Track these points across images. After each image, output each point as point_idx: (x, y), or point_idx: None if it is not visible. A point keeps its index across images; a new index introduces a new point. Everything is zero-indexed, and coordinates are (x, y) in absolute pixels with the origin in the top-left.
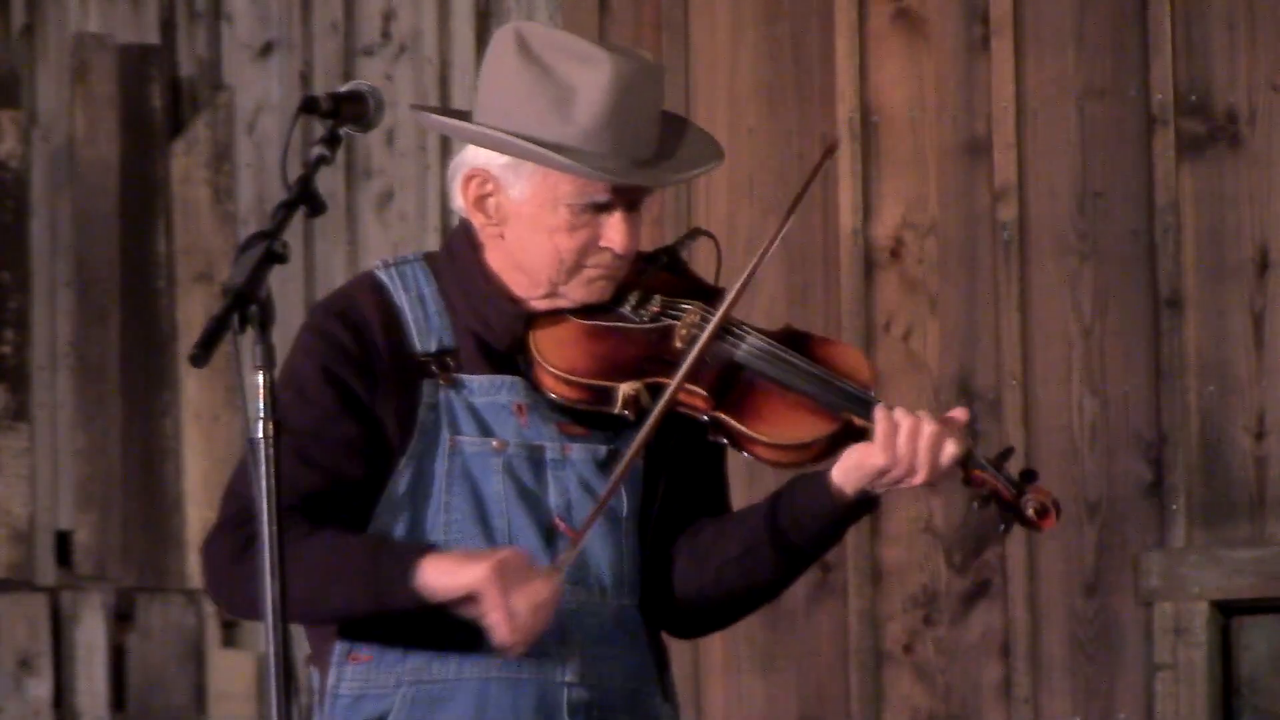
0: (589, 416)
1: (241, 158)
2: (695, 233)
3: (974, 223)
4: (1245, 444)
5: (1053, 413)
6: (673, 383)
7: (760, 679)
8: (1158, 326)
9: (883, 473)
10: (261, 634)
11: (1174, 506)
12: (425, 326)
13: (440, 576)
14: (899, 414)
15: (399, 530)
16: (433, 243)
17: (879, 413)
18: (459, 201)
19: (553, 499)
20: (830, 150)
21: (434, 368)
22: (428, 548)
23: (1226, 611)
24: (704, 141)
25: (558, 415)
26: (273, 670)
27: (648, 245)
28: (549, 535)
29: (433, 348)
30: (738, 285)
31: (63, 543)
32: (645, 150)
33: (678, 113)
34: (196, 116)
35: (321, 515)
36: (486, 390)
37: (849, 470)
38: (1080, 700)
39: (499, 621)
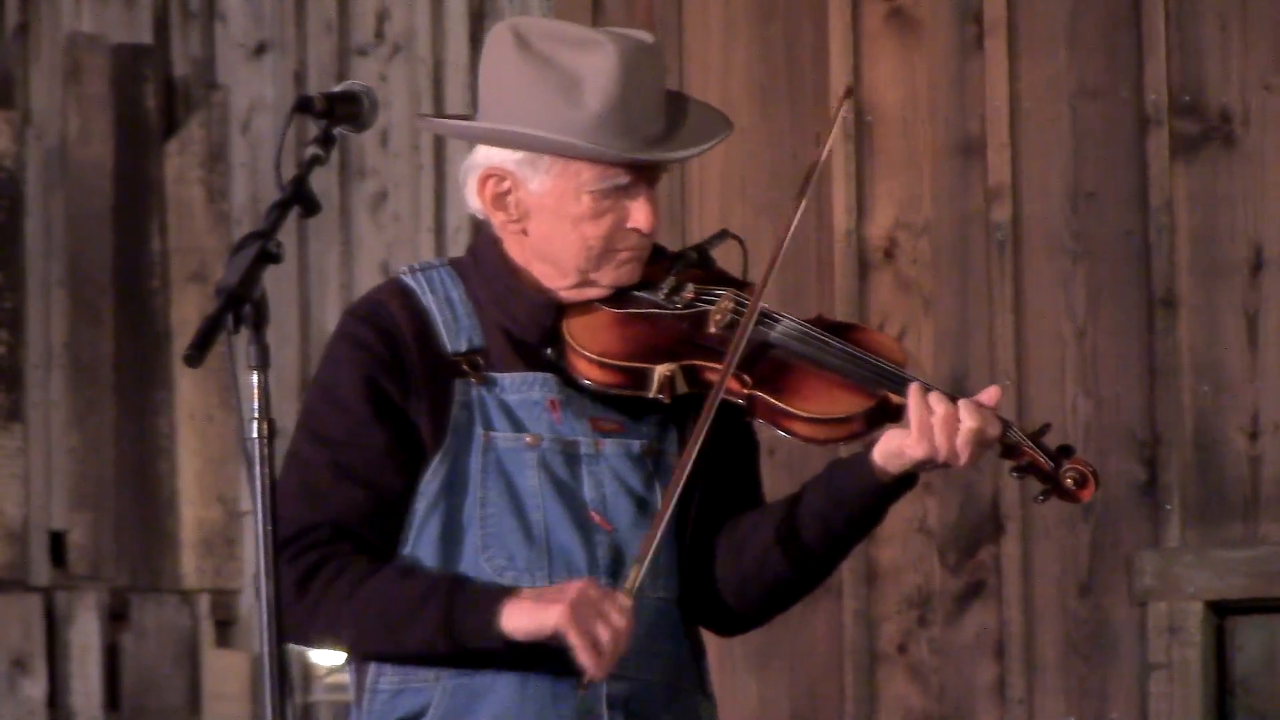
0: (623, 406)
1: (235, 158)
2: (723, 234)
3: (968, 223)
4: (1239, 444)
5: (1046, 413)
6: (724, 368)
7: (754, 678)
8: (1151, 326)
9: (920, 462)
10: (256, 634)
11: (1168, 506)
12: (454, 327)
13: (520, 621)
14: (934, 400)
15: (435, 524)
16: (426, 243)
17: (913, 400)
18: (475, 203)
19: (588, 493)
20: (848, 93)
21: (465, 366)
22: (502, 591)
23: (1220, 611)
24: (709, 112)
25: (591, 410)
26: (267, 670)
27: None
28: (585, 528)
29: (463, 347)
30: (771, 262)
31: (57, 543)
32: (656, 127)
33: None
34: (190, 116)
35: (367, 531)
36: (519, 387)
37: (889, 456)
38: (1074, 700)
39: (585, 658)
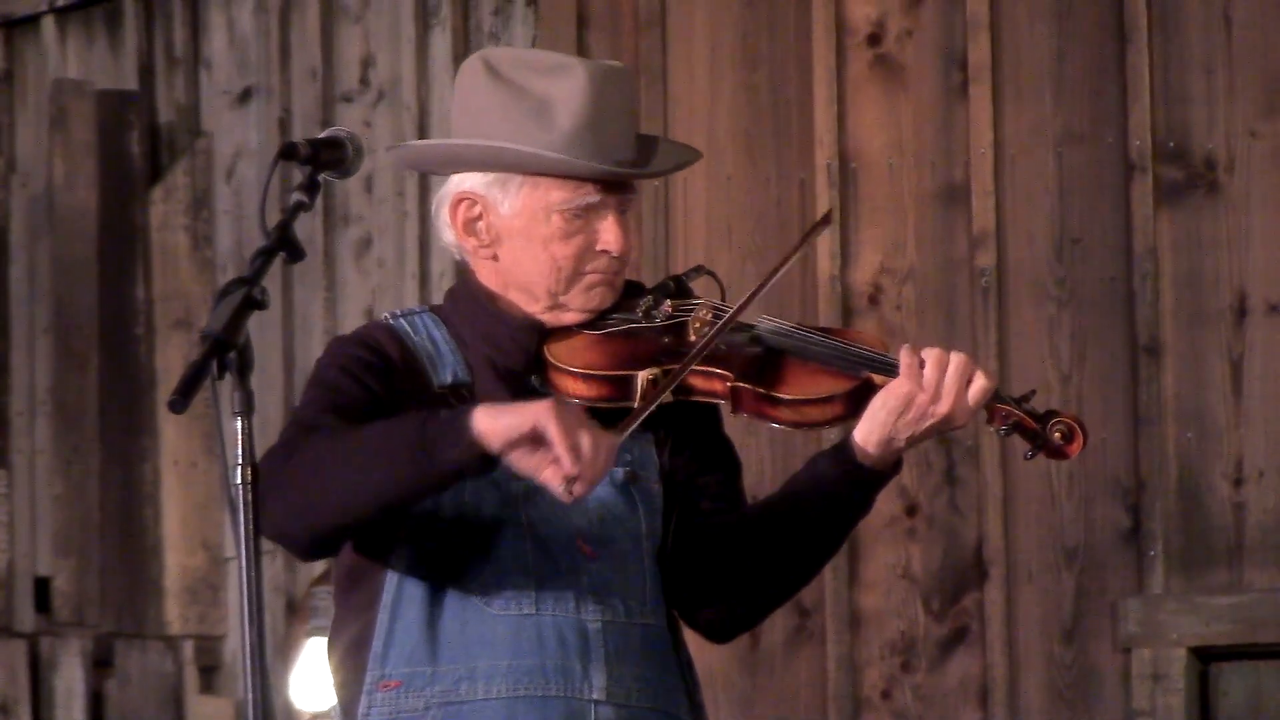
0: (609, 419)
1: (220, 204)
2: (699, 269)
3: (952, 269)
4: (1223, 490)
5: (1031, 460)
6: (708, 338)
7: None
8: (1136, 373)
9: (907, 401)
10: (240, 680)
11: (1152, 553)
12: (439, 363)
13: (495, 419)
14: (925, 351)
15: (425, 555)
16: (411, 289)
17: (904, 349)
18: (448, 234)
19: (574, 521)
20: (825, 220)
21: (451, 400)
22: (475, 406)
23: (1204, 658)
24: (678, 146)
25: None
26: (251, 716)
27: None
28: (572, 555)
29: (448, 380)
30: (765, 278)
31: (42, 589)
32: (626, 151)
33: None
34: (175, 163)
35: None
36: None
37: (874, 413)
38: None
39: (564, 451)
